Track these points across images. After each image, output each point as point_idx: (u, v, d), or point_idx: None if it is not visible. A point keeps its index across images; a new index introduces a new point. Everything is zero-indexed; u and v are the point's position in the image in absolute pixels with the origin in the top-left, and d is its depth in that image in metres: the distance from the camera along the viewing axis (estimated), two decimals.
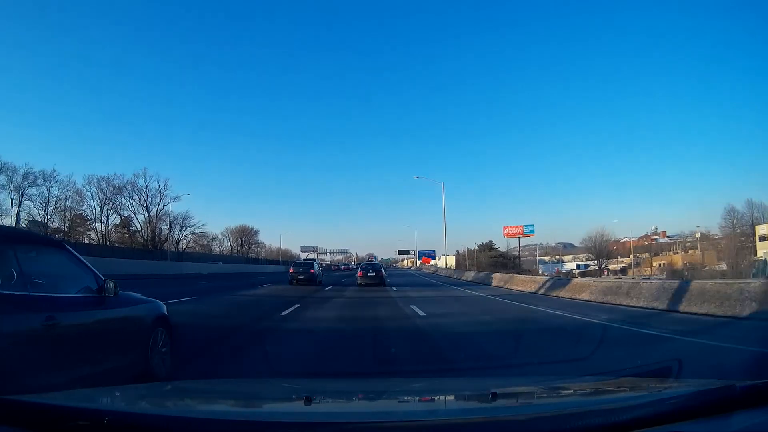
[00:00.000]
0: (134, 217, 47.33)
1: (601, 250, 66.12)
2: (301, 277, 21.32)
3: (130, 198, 46.42)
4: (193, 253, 50.68)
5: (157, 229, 47.80)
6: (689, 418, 1.30)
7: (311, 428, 1.28)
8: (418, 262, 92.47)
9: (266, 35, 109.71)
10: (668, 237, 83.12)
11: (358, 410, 1.84)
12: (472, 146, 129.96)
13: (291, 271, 22.14)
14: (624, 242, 79.37)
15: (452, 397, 2.10)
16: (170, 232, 49.36)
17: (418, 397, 2.13)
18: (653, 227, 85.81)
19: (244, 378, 4.00)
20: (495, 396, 1.59)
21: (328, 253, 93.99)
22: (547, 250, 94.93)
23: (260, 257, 79.07)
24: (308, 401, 1.58)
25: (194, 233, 53.89)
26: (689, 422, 1.29)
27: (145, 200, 47.13)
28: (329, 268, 53.10)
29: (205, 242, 61.30)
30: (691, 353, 5.68)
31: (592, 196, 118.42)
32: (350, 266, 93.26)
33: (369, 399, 2.05)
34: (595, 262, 70.16)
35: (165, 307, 4.10)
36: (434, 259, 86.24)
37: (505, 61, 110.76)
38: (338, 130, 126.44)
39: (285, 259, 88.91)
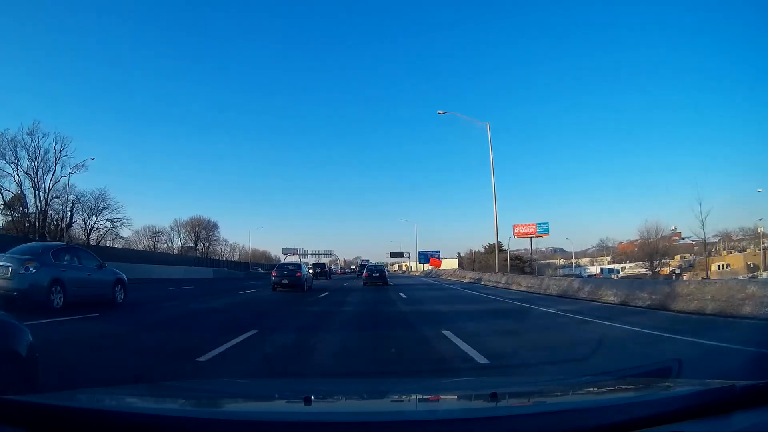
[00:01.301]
0: (23, 193, 33.89)
1: (657, 249, 53.91)
2: (286, 281, 18.93)
3: (12, 162, 32.38)
4: (116, 249, 37.35)
5: (50, 210, 34.32)
6: (689, 418, 1.29)
7: (311, 428, 1.27)
8: (423, 267, 76.53)
9: (238, 26, 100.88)
10: (682, 238, 76.96)
11: (358, 410, 1.81)
12: (469, 146, 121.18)
13: (274, 274, 19.81)
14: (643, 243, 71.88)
15: (452, 397, 2.11)
16: (72, 214, 35.85)
17: (418, 397, 2.09)
18: (672, 227, 78.00)
19: (243, 378, 3.96)
20: (495, 396, 1.57)
21: (309, 255, 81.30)
22: (538, 254, 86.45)
23: (222, 258, 66.06)
24: (308, 401, 1.55)
25: (112, 220, 40.74)
26: (689, 422, 1.27)
27: (35, 166, 33.29)
28: (325, 272, 42.65)
29: (120, 237, 47.05)
30: None
31: (577, 202, 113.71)
32: (345, 270, 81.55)
33: (369, 399, 2.04)
34: (626, 265, 58.84)
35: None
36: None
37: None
38: (324, 125, 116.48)
39: (264, 263, 76.59)
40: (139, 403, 1.74)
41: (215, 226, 69.95)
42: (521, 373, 4.49)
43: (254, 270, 57.81)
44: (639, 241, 67.89)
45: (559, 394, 2.04)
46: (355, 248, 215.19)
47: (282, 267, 20.97)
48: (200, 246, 67.71)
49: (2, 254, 8.50)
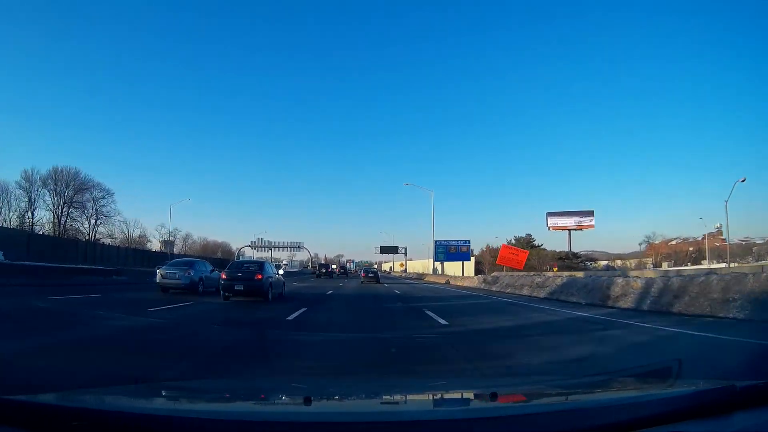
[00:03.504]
0: None
1: None
2: (239, 287, 13.02)
3: None
4: None
5: None
6: (689, 418, 1.29)
7: (311, 428, 1.28)
8: (442, 268, 49.34)
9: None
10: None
11: (358, 410, 1.82)
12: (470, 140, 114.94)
13: (224, 277, 13.71)
14: (683, 242, 70.24)
15: (453, 397, 2.11)
16: None
17: (419, 397, 2.11)
18: (717, 225, 68.50)
19: (244, 378, 4.01)
20: (495, 396, 1.59)
21: (273, 248, 62.56)
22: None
23: (130, 246, 46.47)
24: (308, 401, 1.58)
25: None
26: (690, 422, 1.27)
27: None
28: (329, 272, 46.21)
29: None
30: None
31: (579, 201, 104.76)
32: (331, 270, 64.57)
33: (369, 399, 2.05)
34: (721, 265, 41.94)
35: None
36: (467, 259, 49.48)
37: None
38: (302, 102, 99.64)
39: (219, 257, 57.40)
40: (139, 403, 1.75)
41: (98, 186, 45.31)
42: (522, 373, 4.49)
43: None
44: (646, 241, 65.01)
45: (559, 394, 2.05)
46: (336, 243, 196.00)
47: (236, 266, 14.76)
48: (71, 222, 44.24)
49: (169, 264, 17.00)
